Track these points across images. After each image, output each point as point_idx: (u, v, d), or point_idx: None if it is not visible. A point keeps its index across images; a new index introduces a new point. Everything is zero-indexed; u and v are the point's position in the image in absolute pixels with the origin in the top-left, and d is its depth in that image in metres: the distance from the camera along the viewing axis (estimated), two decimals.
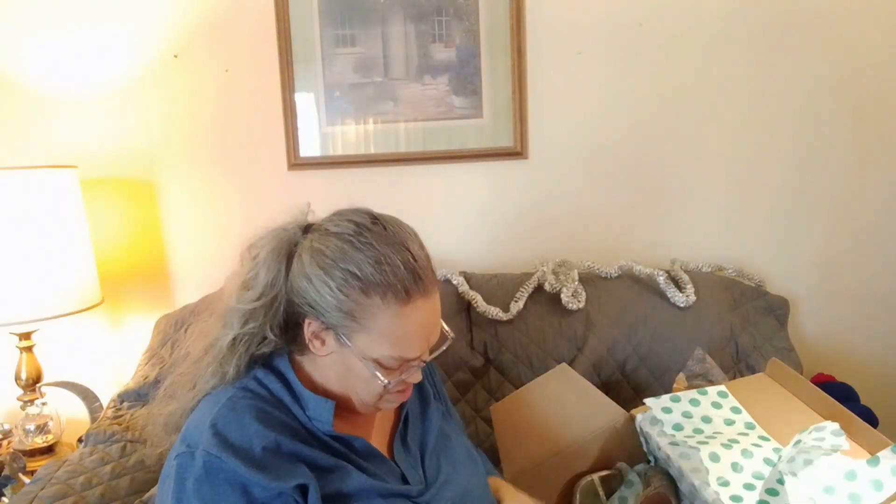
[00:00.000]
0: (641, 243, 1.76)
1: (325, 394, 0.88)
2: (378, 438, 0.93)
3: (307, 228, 0.88)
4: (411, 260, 0.82)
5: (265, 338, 0.86)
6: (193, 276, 1.76)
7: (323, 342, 0.85)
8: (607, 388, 1.48)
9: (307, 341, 0.85)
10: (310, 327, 0.84)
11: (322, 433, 0.85)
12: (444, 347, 0.91)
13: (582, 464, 1.13)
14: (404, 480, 0.89)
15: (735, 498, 0.92)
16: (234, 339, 0.86)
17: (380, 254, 0.81)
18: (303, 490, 0.78)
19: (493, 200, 1.76)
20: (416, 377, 0.87)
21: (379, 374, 0.83)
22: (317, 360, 0.88)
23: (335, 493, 0.80)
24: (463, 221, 1.77)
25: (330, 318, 0.81)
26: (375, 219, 0.85)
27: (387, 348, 0.82)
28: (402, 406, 0.97)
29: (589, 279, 1.61)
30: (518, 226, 1.76)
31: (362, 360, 0.82)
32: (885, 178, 1.73)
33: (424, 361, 0.88)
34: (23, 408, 1.57)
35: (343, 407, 0.89)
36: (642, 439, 1.12)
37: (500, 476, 1.10)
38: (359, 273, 0.80)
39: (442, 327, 0.90)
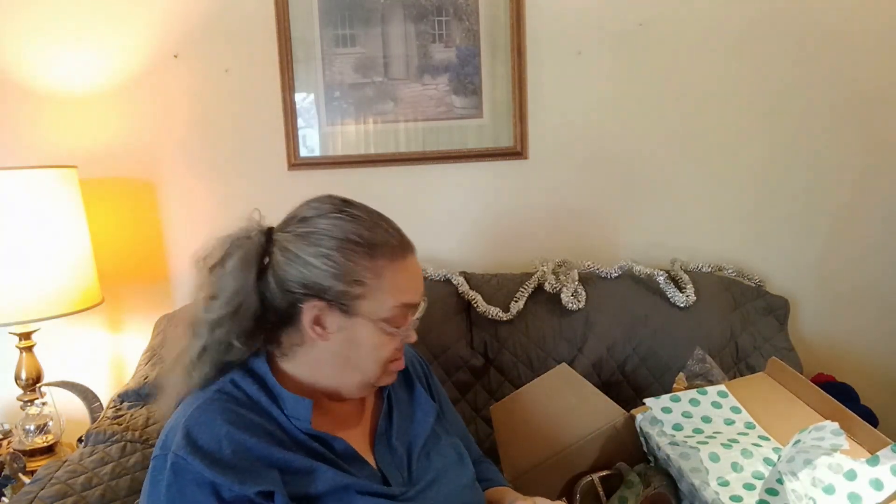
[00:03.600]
0: (641, 243, 1.76)
1: (310, 392, 0.89)
2: (358, 441, 0.93)
3: (269, 231, 0.91)
4: (392, 222, 0.91)
5: (231, 345, 0.87)
6: (193, 277, 1.76)
7: (324, 326, 0.86)
8: (607, 388, 1.48)
9: (308, 329, 0.86)
10: (311, 311, 0.85)
11: (300, 432, 0.86)
12: (422, 313, 1.00)
13: (582, 464, 1.13)
14: (386, 483, 0.89)
15: (735, 498, 0.92)
16: (204, 347, 0.87)
17: (370, 221, 0.87)
18: (269, 496, 0.78)
19: (493, 200, 1.76)
20: (413, 337, 0.92)
21: (391, 330, 0.87)
22: (310, 352, 0.88)
23: (306, 495, 0.80)
24: (463, 221, 1.77)
25: (333, 293, 0.84)
26: (344, 199, 0.92)
27: (393, 299, 0.86)
28: (380, 407, 0.98)
29: (589, 279, 1.61)
30: (518, 226, 1.76)
31: (373, 323, 0.86)
32: (886, 178, 1.73)
33: (416, 319, 0.93)
34: (23, 408, 1.57)
35: (324, 407, 0.90)
36: (642, 439, 1.12)
37: (506, 484, 1.09)
38: (359, 239, 0.85)
39: None
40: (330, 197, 0.92)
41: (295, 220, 0.89)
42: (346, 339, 0.86)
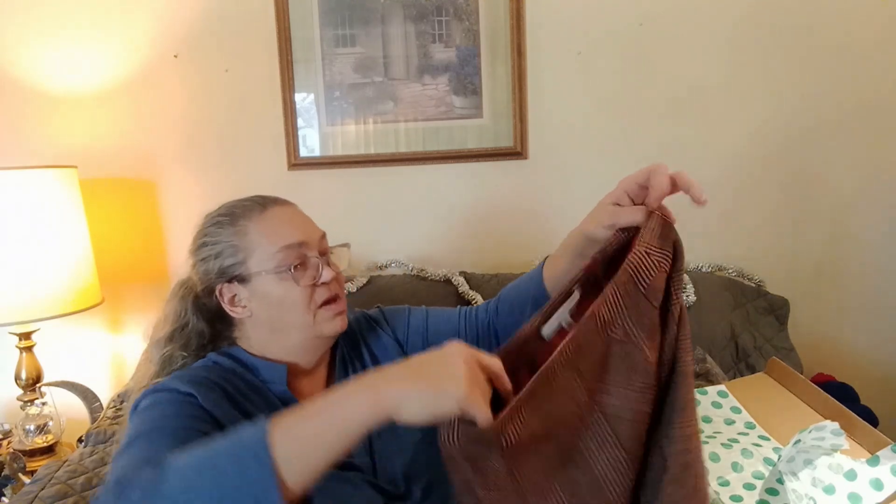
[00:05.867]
0: None
1: None
2: None
3: None
4: (261, 194, 0.98)
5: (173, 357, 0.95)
6: None
7: (241, 304, 0.92)
8: None
9: (230, 311, 0.92)
10: (223, 294, 0.92)
11: (275, 395, 0.90)
12: (346, 251, 1.01)
13: None
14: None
15: (735, 498, 0.92)
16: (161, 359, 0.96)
17: (234, 201, 0.97)
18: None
19: (494, 200, 1.76)
20: (326, 275, 0.91)
21: (287, 274, 0.89)
22: (251, 331, 0.94)
23: None
24: (463, 221, 1.77)
25: (227, 268, 0.90)
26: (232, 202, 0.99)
27: (271, 246, 0.89)
28: (334, 376, 0.99)
29: None
30: (518, 226, 1.76)
31: (266, 276, 0.89)
32: (886, 178, 1.73)
33: (324, 254, 0.94)
34: (23, 408, 1.57)
35: (294, 384, 0.94)
36: None
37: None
38: (220, 217, 0.94)
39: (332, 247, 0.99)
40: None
41: None
42: (261, 303, 0.91)
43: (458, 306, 1.10)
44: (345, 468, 0.87)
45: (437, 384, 0.62)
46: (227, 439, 0.62)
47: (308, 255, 0.91)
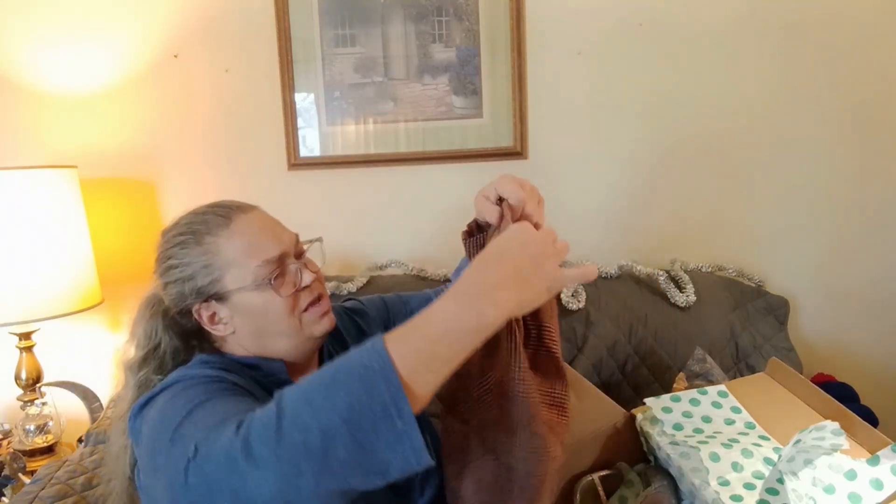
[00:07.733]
0: (641, 243, 1.76)
1: None
2: None
3: None
4: (222, 201, 0.93)
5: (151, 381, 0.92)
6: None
7: (219, 320, 0.89)
8: (607, 388, 1.48)
9: (211, 330, 0.90)
10: (200, 313, 0.89)
11: (277, 387, 0.90)
12: (319, 246, 0.99)
13: (582, 463, 1.12)
14: None
15: (735, 497, 0.92)
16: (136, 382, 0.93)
17: (191, 215, 0.92)
18: None
19: None
20: (307, 278, 0.90)
21: (267, 286, 0.87)
22: (234, 341, 0.91)
23: None
24: (463, 221, 1.76)
25: (202, 289, 0.87)
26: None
27: (248, 262, 0.86)
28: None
29: None
30: None
31: (247, 293, 0.86)
32: (886, 178, 1.73)
33: (300, 256, 0.93)
34: (23, 408, 1.57)
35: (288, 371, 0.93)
36: (642, 439, 1.12)
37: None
38: (182, 236, 0.89)
39: (303, 239, 0.97)
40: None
41: None
42: (244, 318, 0.88)
43: (436, 288, 1.17)
44: None
45: (538, 287, 0.70)
46: (341, 363, 0.63)
47: (286, 262, 0.90)
